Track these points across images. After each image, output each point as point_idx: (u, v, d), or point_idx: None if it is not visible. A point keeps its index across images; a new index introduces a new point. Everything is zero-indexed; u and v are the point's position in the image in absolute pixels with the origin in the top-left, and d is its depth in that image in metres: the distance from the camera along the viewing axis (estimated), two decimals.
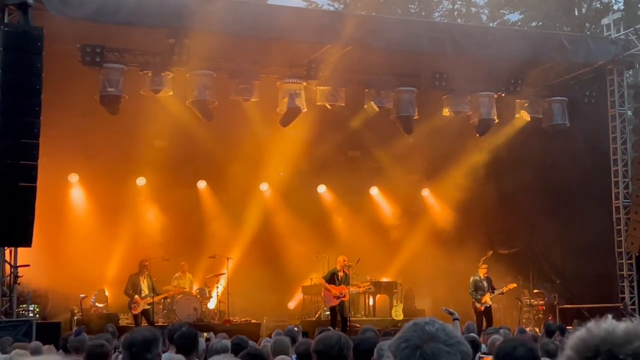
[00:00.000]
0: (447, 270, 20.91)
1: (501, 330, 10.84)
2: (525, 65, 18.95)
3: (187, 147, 19.71)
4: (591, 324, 1.76)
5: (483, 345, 9.18)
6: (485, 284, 18.58)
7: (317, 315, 20.32)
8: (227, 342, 8.67)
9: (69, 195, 20.43)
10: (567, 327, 13.30)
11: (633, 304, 19.05)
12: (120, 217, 20.07)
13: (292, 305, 22.29)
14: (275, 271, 21.52)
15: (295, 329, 12.36)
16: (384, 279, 21.60)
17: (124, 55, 17.06)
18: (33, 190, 13.93)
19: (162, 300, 18.81)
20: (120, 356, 8.61)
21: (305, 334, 14.85)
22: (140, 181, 21.01)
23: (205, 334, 12.91)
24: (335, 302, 17.99)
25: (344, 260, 18.30)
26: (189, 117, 18.17)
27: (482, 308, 18.37)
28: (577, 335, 1.75)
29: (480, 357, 7.43)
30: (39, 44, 14.08)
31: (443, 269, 21.11)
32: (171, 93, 17.54)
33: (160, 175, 20.29)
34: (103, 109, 17.14)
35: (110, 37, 16.51)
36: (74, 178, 20.43)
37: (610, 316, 1.79)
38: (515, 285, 19.12)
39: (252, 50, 17.50)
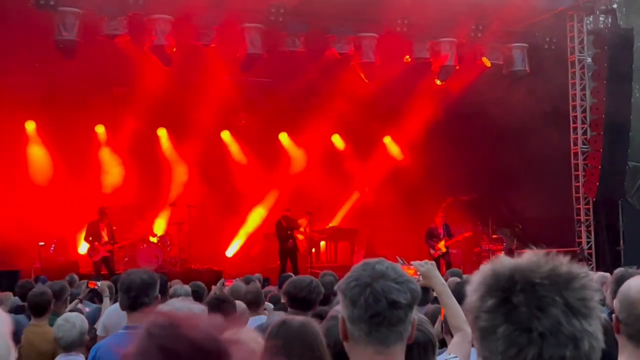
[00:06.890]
0: (408, 217, 21.01)
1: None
2: (486, 10, 18.89)
3: (146, 94, 19.39)
4: (492, 261, 1.82)
5: None
6: (440, 231, 18.78)
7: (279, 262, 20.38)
8: (189, 289, 8.73)
9: (26, 142, 20.08)
10: None
11: (590, 248, 19.41)
12: (79, 165, 19.78)
13: (253, 252, 22.30)
14: (237, 219, 21.54)
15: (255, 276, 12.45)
16: (345, 226, 21.71)
17: None
18: None
19: (123, 248, 18.71)
20: (79, 305, 8.62)
21: (266, 281, 14.99)
22: (100, 128, 20.74)
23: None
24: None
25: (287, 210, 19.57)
26: (148, 63, 17.86)
27: (436, 254, 18.57)
28: (482, 272, 1.77)
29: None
30: None
31: (405, 215, 21.20)
32: (128, 38, 17.21)
33: (119, 122, 20.03)
34: (59, 55, 16.81)
35: None
36: (31, 125, 20.07)
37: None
38: (470, 233, 19.41)
39: None
